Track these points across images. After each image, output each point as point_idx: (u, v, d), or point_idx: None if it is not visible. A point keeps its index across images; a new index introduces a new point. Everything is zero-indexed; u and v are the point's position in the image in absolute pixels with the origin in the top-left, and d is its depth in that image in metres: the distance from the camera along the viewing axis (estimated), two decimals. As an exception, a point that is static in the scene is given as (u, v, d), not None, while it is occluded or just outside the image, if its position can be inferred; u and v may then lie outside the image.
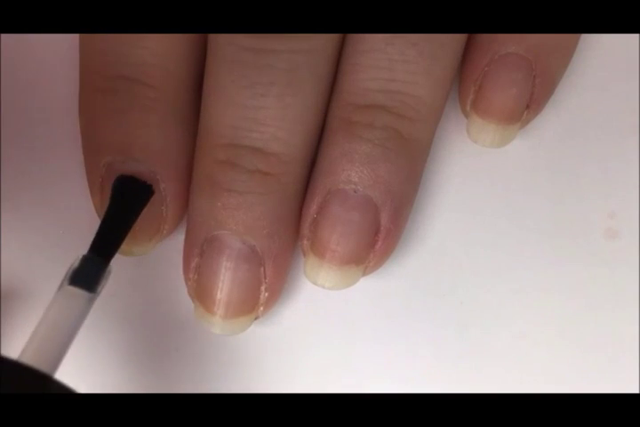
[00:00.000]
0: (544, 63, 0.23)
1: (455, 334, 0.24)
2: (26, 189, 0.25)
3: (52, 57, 0.25)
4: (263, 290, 0.23)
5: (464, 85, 0.24)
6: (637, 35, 0.25)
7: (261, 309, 0.23)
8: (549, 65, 0.23)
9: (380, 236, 0.23)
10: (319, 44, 0.22)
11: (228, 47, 0.22)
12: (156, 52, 0.23)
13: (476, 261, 0.24)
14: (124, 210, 0.22)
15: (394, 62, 0.22)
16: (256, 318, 0.23)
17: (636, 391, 0.23)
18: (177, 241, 0.24)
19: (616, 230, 0.24)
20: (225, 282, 0.23)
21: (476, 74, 0.23)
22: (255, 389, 0.24)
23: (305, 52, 0.22)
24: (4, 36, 0.25)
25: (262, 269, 0.23)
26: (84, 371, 0.24)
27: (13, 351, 0.24)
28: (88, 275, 0.20)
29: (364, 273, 0.23)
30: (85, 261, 0.21)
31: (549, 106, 0.24)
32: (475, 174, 0.25)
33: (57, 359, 0.19)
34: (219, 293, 0.23)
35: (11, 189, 0.25)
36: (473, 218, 0.25)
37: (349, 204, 0.22)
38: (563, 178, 0.25)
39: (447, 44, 0.23)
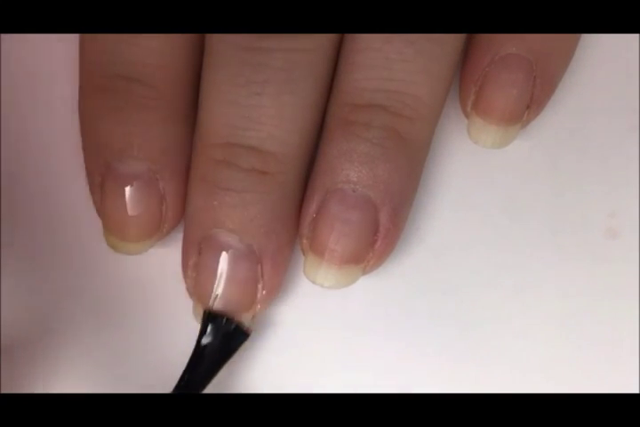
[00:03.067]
0: (544, 64, 0.23)
1: (455, 334, 0.24)
2: (26, 189, 0.25)
3: (51, 57, 0.25)
4: (260, 288, 0.23)
5: (464, 86, 0.24)
6: (637, 35, 0.25)
7: (258, 307, 0.23)
8: (550, 65, 0.23)
9: (379, 235, 0.23)
10: (316, 43, 0.22)
11: (225, 46, 0.22)
12: (155, 52, 0.23)
13: (475, 260, 0.24)
14: (215, 353, 0.23)
15: (391, 61, 0.22)
16: (253, 317, 0.23)
17: (636, 391, 0.23)
18: (177, 239, 0.24)
19: (616, 230, 0.24)
20: (222, 280, 0.23)
21: (477, 74, 0.23)
22: (254, 388, 0.24)
23: (301, 50, 0.22)
24: (4, 36, 0.25)
25: (259, 267, 0.23)
26: (84, 371, 0.24)
27: (11, 351, 0.24)
28: None
29: (364, 272, 0.23)
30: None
31: (549, 106, 0.24)
32: (475, 174, 0.25)
33: None
34: (216, 291, 0.23)
35: (11, 189, 0.25)
36: (473, 217, 0.25)
37: (348, 203, 0.22)
38: (563, 177, 0.25)
39: (446, 42, 0.23)
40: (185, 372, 0.22)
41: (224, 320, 0.23)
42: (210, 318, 0.23)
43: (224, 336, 0.23)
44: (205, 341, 0.23)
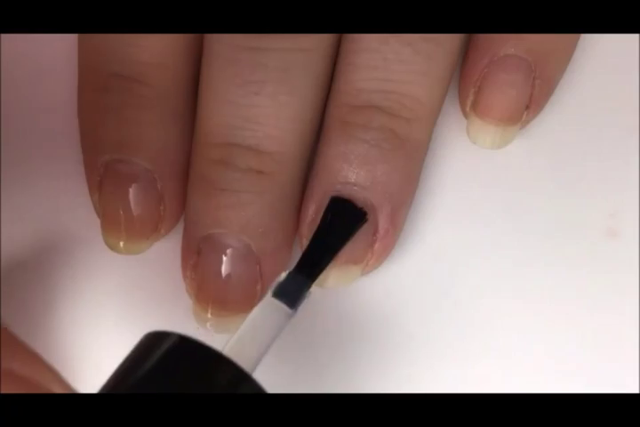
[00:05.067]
0: (543, 64, 0.23)
1: (454, 334, 0.24)
2: (26, 188, 0.25)
3: (51, 57, 0.25)
4: (259, 288, 0.23)
5: (463, 87, 0.24)
6: (637, 35, 0.25)
7: None
8: (549, 66, 0.23)
9: (377, 236, 0.23)
10: (313, 42, 0.22)
11: (223, 46, 0.22)
12: (154, 51, 0.23)
13: (475, 260, 0.24)
14: (335, 233, 0.22)
15: (389, 62, 0.22)
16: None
17: (636, 391, 0.23)
18: (177, 239, 0.24)
19: (616, 230, 0.24)
20: (221, 280, 0.23)
21: (476, 75, 0.23)
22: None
23: (299, 50, 0.22)
24: (3, 36, 0.25)
25: (258, 267, 0.23)
26: (84, 370, 0.24)
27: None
28: (291, 291, 0.21)
29: (363, 273, 0.23)
30: (291, 277, 0.21)
31: (549, 106, 0.24)
32: (474, 174, 0.25)
33: (252, 365, 0.20)
34: (215, 291, 0.23)
35: (10, 188, 0.25)
36: (473, 218, 0.25)
37: None
38: (563, 178, 0.25)
39: (443, 43, 0.23)
40: (306, 252, 0.22)
41: (345, 202, 0.22)
42: (332, 202, 0.22)
43: (344, 215, 0.22)
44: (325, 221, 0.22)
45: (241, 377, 0.18)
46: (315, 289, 0.23)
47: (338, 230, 0.22)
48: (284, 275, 0.21)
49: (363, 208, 0.22)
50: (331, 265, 0.22)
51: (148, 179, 0.23)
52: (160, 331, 0.19)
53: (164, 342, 0.18)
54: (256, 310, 0.21)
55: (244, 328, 0.20)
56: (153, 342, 0.18)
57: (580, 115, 0.25)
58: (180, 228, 0.24)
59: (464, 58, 0.24)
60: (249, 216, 0.22)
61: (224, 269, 0.23)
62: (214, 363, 0.18)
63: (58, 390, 0.17)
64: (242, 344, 0.20)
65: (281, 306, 0.21)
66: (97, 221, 0.24)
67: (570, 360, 0.24)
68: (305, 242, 0.23)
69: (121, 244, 0.23)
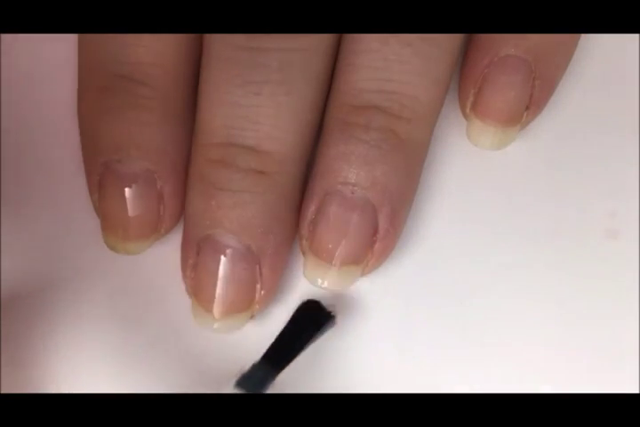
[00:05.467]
0: (543, 65, 0.23)
1: (454, 334, 0.24)
2: (25, 188, 0.25)
3: (51, 57, 0.25)
4: (259, 288, 0.23)
5: (463, 88, 0.24)
6: (637, 35, 0.25)
7: (257, 307, 0.23)
8: (549, 67, 0.23)
9: (377, 236, 0.23)
10: (312, 42, 0.22)
11: (222, 46, 0.22)
12: (153, 51, 0.23)
13: (475, 261, 0.24)
14: (302, 332, 0.23)
15: (389, 62, 0.22)
16: (252, 317, 0.23)
17: (636, 391, 0.23)
18: (176, 239, 0.24)
19: (616, 230, 0.24)
20: (221, 280, 0.23)
21: (476, 76, 0.23)
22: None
23: (298, 50, 0.22)
24: (3, 36, 0.25)
25: (258, 267, 0.23)
26: (83, 370, 0.24)
27: (12, 354, 0.24)
28: (254, 380, 0.21)
29: (363, 273, 0.23)
30: (256, 367, 0.22)
31: (549, 106, 0.24)
32: (474, 174, 0.25)
33: None
34: (215, 291, 0.23)
35: (10, 188, 0.25)
36: (473, 218, 0.25)
37: (347, 205, 0.22)
38: (563, 178, 0.25)
39: (443, 43, 0.23)
40: (273, 344, 0.23)
41: (315, 305, 0.23)
42: (303, 304, 0.23)
43: (312, 317, 0.23)
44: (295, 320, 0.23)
45: None
46: (315, 289, 0.23)
47: (305, 330, 0.23)
48: (249, 366, 0.22)
49: (330, 313, 0.23)
50: (330, 266, 0.23)
51: (148, 179, 0.23)
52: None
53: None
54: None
55: None
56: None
57: (580, 115, 0.25)
58: (179, 228, 0.24)
59: (464, 58, 0.24)
60: (249, 216, 0.22)
61: (223, 270, 0.23)
62: None
63: None
64: None
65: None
66: (97, 221, 0.24)
67: (570, 360, 0.24)
68: (304, 242, 0.23)
69: (121, 244, 0.23)
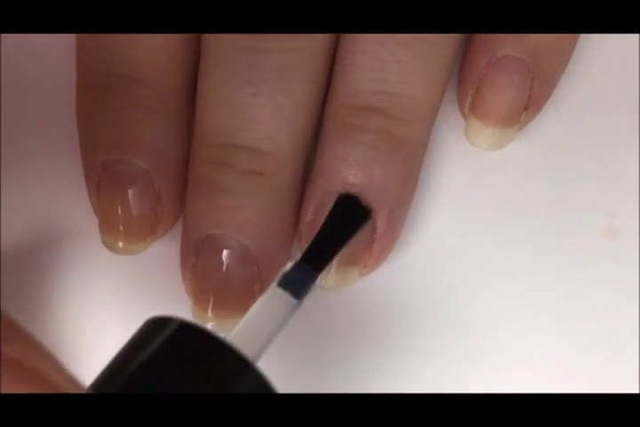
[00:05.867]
0: (542, 65, 0.23)
1: (454, 335, 0.24)
2: (24, 188, 0.25)
3: (51, 57, 0.25)
4: (258, 289, 0.23)
5: (462, 88, 0.24)
6: (637, 35, 0.25)
7: None
8: (547, 67, 0.23)
9: (376, 237, 0.23)
10: (310, 43, 0.22)
11: (220, 46, 0.22)
12: (152, 51, 0.23)
13: (474, 261, 0.24)
14: (341, 227, 0.22)
15: (386, 63, 0.22)
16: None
17: (636, 391, 0.23)
18: (176, 240, 0.24)
19: (616, 230, 0.24)
20: (220, 281, 0.23)
21: (474, 76, 0.23)
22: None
23: (296, 50, 0.22)
24: (3, 36, 0.25)
25: (256, 268, 0.23)
26: (83, 370, 0.24)
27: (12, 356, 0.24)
28: (296, 281, 0.20)
29: (361, 274, 0.23)
30: (296, 267, 0.21)
31: (549, 106, 0.24)
32: (473, 174, 0.25)
33: (255, 354, 0.19)
34: (213, 292, 0.23)
35: (9, 188, 0.25)
36: (472, 218, 0.25)
37: None
38: (562, 178, 0.25)
39: (440, 44, 0.23)
40: (312, 244, 0.22)
41: (352, 199, 0.22)
42: (340, 199, 0.22)
43: (350, 211, 0.22)
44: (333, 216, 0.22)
45: (243, 365, 0.18)
46: (314, 291, 0.23)
47: (343, 225, 0.22)
48: (289, 265, 0.21)
49: (367, 206, 0.22)
50: (329, 267, 0.22)
51: (146, 179, 0.23)
52: (161, 316, 0.18)
53: (165, 328, 0.18)
54: (260, 300, 0.20)
55: (248, 317, 0.20)
56: (154, 327, 0.18)
57: (580, 115, 0.25)
58: (178, 228, 0.24)
59: (462, 59, 0.24)
60: (247, 217, 0.22)
61: (222, 270, 0.23)
62: (216, 349, 0.18)
63: (54, 376, 0.17)
64: (245, 333, 0.19)
65: (286, 296, 0.20)
66: (95, 222, 0.24)
67: (570, 360, 0.24)
68: (304, 243, 0.23)
69: (119, 244, 0.23)
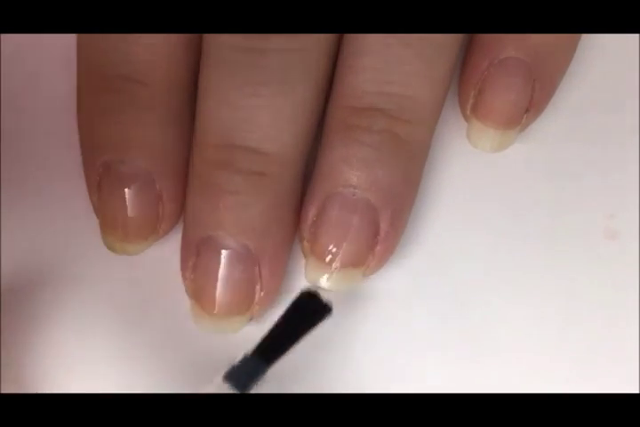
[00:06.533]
0: (543, 67, 0.23)
1: (455, 335, 0.24)
2: (25, 189, 0.25)
3: (51, 57, 0.25)
4: (258, 290, 0.23)
5: (464, 90, 0.24)
6: (637, 35, 0.25)
7: (257, 308, 0.23)
8: (549, 69, 0.23)
9: (379, 238, 0.23)
10: (311, 43, 0.22)
11: (220, 47, 0.22)
12: (152, 51, 0.23)
13: (475, 262, 0.24)
14: (299, 323, 0.22)
15: (390, 64, 0.22)
16: (252, 319, 0.23)
17: (636, 391, 0.23)
18: (177, 240, 0.24)
19: (616, 231, 0.24)
20: (220, 282, 0.23)
21: (476, 78, 0.23)
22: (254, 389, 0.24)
23: (297, 51, 0.22)
24: (3, 36, 0.25)
25: (257, 268, 0.23)
26: (83, 370, 0.24)
27: (12, 355, 0.24)
28: (244, 374, 0.21)
29: (364, 275, 0.23)
30: (246, 360, 0.21)
31: (549, 107, 0.24)
32: (474, 176, 0.25)
33: None
34: (214, 292, 0.23)
35: (10, 188, 0.25)
36: (473, 219, 0.25)
37: (348, 207, 0.22)
38: (562, 179, 0.25)
39: (444, 44, 0.23)
40: (265, 337, 0.22)
41: (312, 295, 0.22)
42: (301, 295, 0.23)
43: (309, 309, 0.22)
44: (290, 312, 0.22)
45: None
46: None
47: (301, 321, 0.22)
48: (238, 358, 0.21)
49: (327, 304, 0.22)
50: (331, 269, 0.23)
51: (147, 179, 0.23)
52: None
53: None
54: (206, 391, 0.21)
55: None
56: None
57: (580, 115, 0.25)
58: (179, 229, 0.24)
59: (464, 60, 0.24)
60: (248, 218, 0.22)
61: (223, 271, 0.23)
62: None
63: None
64: None
65: (230, 390, 0.21)
66: (96, 222, 0.24)
67: (570, 360, 0.24)
68: (305, 244, 0.23)
69: (119, 244, 0.23)
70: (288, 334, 0.22)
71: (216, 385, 0.21)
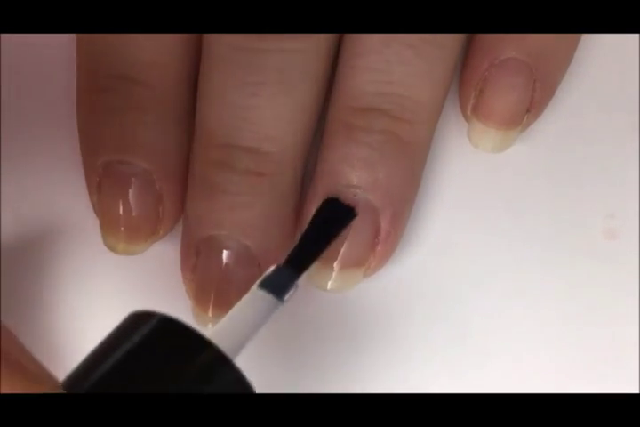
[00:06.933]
0: (544, 67, 0.23)
1: (455, 335, 0.24)
2: (25, 189, 0.25)
3: (51, 57, 0.25)
4: None
5: (465, 90, 0.24)
6: (637, 35, 0.25)
7: None
8: (549, 69, 0.23)
9: (379, 238, 0.23)
10: (312, 43, 0.22)
11: (221, 47, 0.22)
12: (152, 52, 0.23)
13: (476, 261, 0.24)
14: (324, 230, 0.22)
15: (391, 64, 0.22)
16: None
17: (636, 391, 0.23)
18: (177, 240, 0.24)
19: (616, 231, 0.24)
20: (220, 282, 0.23)
21: (477, 79, 0.23)
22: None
23: (297, 51, 0.22)
24: (3, 36, 0.25)
25: (257, 268, 0.23)
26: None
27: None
28: (277, 283, 0.21)
29: (365, 275, 0.23)
30: (278, 270, 0.21)
31: (549, 107, 0.24)
32: (474, 176, 0.25)
33: (234, 350, 0.19)
34: (214, 293, 0.23)
35: (10, 188, 0.25)
36: (473, 219, 0.25)
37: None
38: (562, 178, 0.25)
39: (445, 45, 0.23)
40: (295, 247, 0.22)
41: (335, 201, 0.23)
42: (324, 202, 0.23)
43: (333, 213, 0.23)
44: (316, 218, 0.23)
45: (220, 360, 0.18)
46: (316, 291, 0.23)
47: (327, 226, 0.22)
48: (271, 268, 0.21)
49: (350, 204, 0.22)
50: (332, 269, 0.23)
51: (147, 179, 0.23)
52: (144, 311, 0.18)
53: (147, 322, 0.18)
54: (242, 300, 0.20)
55: (230, 316, 0.20)
56: (136, 321, 0.19)
57: (580, 115, 0.25)
58: (179, 229, 0.24)
59: (465, 61, 0.24)
60: (248, 218, 0.22)
61: (223, 271, 0.23)
62: (195, 344, 0.18)
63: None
64: (225, 330, 0.20)
65: (267, 296, 0.20)
66: (96, 222, 0.24)
67: (570, 360, 0.24)
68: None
69: (120, 245, 0.23)
70: (315, 241, 0.22)
71: (252, 292, 0.21)
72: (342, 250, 0.22)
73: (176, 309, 0.24)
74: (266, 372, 0.24)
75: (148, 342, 0.18)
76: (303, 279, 0.23)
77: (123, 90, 0.23)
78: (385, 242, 0.23)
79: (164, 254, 0.24)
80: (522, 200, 0.25)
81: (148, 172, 0.23)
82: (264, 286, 0.21)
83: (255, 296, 0.20)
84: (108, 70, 0.23)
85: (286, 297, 0.21)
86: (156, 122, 0.23)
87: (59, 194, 0.25)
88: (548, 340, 0.24)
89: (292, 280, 0.21)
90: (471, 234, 0.24)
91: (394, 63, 0.22)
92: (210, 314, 0.23)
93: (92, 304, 0.24)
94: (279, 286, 0.21)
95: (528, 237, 0.24)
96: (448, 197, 0.25)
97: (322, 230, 0.22)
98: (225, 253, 0.23)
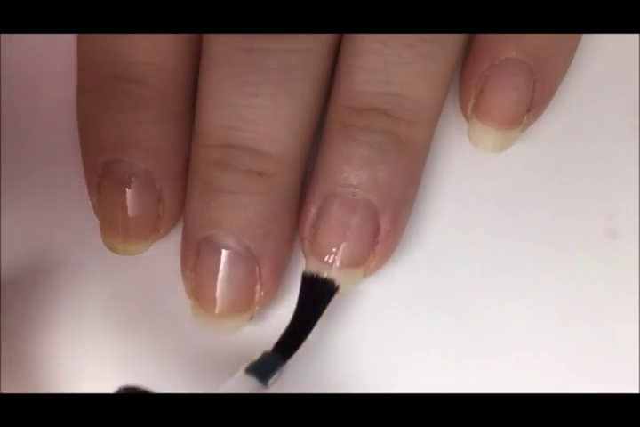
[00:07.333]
0: (544, 67, 0.23)
1: (455, 335, 0.24)
2: (25, 189, 0.25)
3: (51, 57, 0.25)
4: (258, 289, 0.23)
5: (465, 90, 0.24)
6: (637, 35, 0.25)
7: (257, 308, 0.23)
8: (550, 69, 0.23)
9: (379, 238, 0.23)
10: (312, 43, 0.22)
11: (221, 47, 0.22)
12: (153, 52, 0.23)
13: (475, 261, 0.24)
14: (311, 312, 0.23)
15: (391, 64, 0.22)
16: (251, 318, 0.23)
17: (636, 391, 0.23)
18: (177, 240, 0.24)
19: (616, 230, 0.24)
20: (220, 281, 0.23)
21: (477, 78, 0.23)
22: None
23: (297, 51, 0.22)
24: (3, 36, 0.25)
25: (257, 268, 0.23)
26: (83, 370, 0.24)
27: (13, 356, 0.24)
28: (263, 368, 0.22)
29: (365, 275, 0.23)
30: (265, 355, 0.22)
31: (549, 107, 0.24)
32: (474, 175, 0.25)
33: None
34: (214, 292, 0.23)
35: (10, 188, 0.25)
36: (473, 219, 0.25)
37: (349, 207, 0.22)
38: (563, 178, 0.25)
39: (444, 45, 0.23)
40: (284, 334, 0.23)
41: (314, 278, 0.23)
42: (304, 282, 0.23)
43: (315, 292, 0.23)
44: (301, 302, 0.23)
45: None
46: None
47: (312, 309, 0.23)
48: (260, 354, 0.22)
49: (332, 281, 0.23)
50: (332, 269, 0.23)
51: (147, 179, 0.23)
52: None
53: None
54: (229, 382, 0.21)
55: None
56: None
57: (580, 115, 0.25)
58: (179, 228, 0.24)
59: (465, 61, 0.24)
60: (248, 217, 0.22)
61: (223, 270, 0.23)
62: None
63: None
64: None
65: (251, 380, 0.21)
66: (96, 222, 0.24)
67: (570, 360, 0.24)
68: (306, 244, 0.23)
69: (120, 244, 0.23)
70: (302, 327, 0.23)
71: (238, 376, 0.21)
72: (342, 249, 0.22)
73: (176, 308, 0.24)
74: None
75: None
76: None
77: (123, 90, 0.23)
78: (385, 241, 0.23)
79: (164, 254, 0.24)
80: (522, 200, 0.25)
81: (148, 171, 0.23)
82: (250, 370, 0.21)
83: (241, 380, 0.21)
84: (108, 70, 0.23)
85: (270, 381, 0.22)
86: (156, 122, 0.23)
87: (58, 194, 0.25)
88: (547, 339, 0.24)
89: (278, 366, 0.22)
90: (471, 234, 0.24)
91: (393, 63, 0.22)
92: (210, 313, 0.23)
93: (91, 304, 0.24)
94: (264, 370, 0.22)
95: (528, 237, 0.24)
96: (448, 196, 0.25)
97: (308, 313, 0.23)
98: (224, 253, 0.23)
